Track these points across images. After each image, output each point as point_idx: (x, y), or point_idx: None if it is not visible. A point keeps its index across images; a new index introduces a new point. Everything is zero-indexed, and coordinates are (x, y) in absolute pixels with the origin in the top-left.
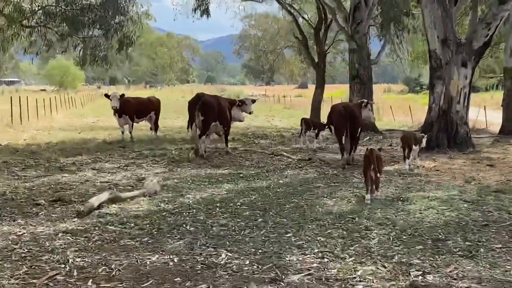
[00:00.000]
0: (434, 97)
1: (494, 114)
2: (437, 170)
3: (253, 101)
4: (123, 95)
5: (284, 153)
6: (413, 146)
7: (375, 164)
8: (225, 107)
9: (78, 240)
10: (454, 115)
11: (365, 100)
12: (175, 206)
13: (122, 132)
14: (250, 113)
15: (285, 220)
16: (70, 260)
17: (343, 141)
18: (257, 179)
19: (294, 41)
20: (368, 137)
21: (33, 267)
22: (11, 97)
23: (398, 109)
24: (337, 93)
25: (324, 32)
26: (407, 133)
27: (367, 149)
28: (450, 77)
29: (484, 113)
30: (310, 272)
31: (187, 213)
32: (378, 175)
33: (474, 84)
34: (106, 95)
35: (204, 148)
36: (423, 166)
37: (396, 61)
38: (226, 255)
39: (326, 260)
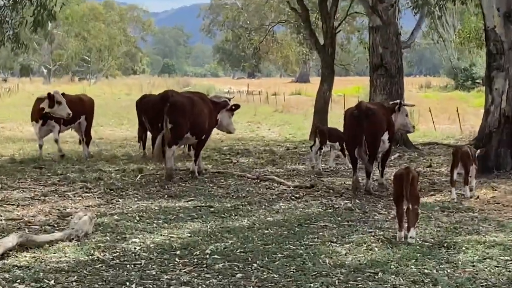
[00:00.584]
0: (493, 96)
1: None
2: (498, 203)
3: (232, 106)
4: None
5: (275, 178)
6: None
7: (411, 188)
8: (202, 111)
9: None
10: None
11: (399, 101)
12: (115, 255)
13: (40, 146)
14: None
15: (275, 276)
16: None
17: (356, 155)
18: (235, 215)
19: (290, 14)
20: (397, 154)
21: None
22: None
23: (440, 113)
24: (352, 89)
25: (334, 1)
26: (463, 147)
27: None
28: None
29: None
30: None
31: (133, 266)
32: (415, 206)
33: None
34: (50, 96)
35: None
36: (478, 197)
37: (437, 44)
38: None
39: None
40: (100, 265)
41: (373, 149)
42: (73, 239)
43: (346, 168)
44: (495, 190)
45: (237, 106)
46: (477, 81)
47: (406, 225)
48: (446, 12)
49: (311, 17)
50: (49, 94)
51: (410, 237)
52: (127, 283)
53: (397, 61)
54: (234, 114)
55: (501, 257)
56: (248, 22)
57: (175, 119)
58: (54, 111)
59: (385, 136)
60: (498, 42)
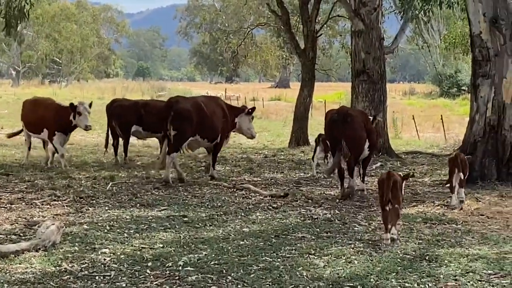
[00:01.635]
0: (478, 104)
1: None
2: (482, 215)
3: (249, 109)
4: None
5: (251, 187)
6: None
7: (393, 190)
8: (212, 114)
9: None
10: (508, 132)
11: (374, 115)
12: (83, 266)
13: (63, 155)
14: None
15: None
16: None
17: (339, 160)
18: (210, 225)
19: (270, 17)
20: (379, 163)
21: None
22: None
23: (424, 121)
24: (334, 95)
25: (315, 4)
26: (461, 154)
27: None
28: (502, 74)
29: None
30: None
31: (102, 278)
32: (397, 206)
33: None
34: (72, 106)
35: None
36: (461, 208)
37: (422, 50)
38: None
39: None
40: (68, 276)
41: (355, 154)
42: (40, 249)
43: (326, 176)
44: (479, 201)
45: (253, 109)
46: (463, 88)
47: (390, 226)
48: (432, 16)
49: (291, 20)
50: (71, 104)
51: (392, 234)
52: None
53: (380, 67)
54: (253, 118)
55: (484, 271)
56: (226, 24)
57: (180, 126)
58: (76, 122)
59: (366, 144)
60: (484, 49)
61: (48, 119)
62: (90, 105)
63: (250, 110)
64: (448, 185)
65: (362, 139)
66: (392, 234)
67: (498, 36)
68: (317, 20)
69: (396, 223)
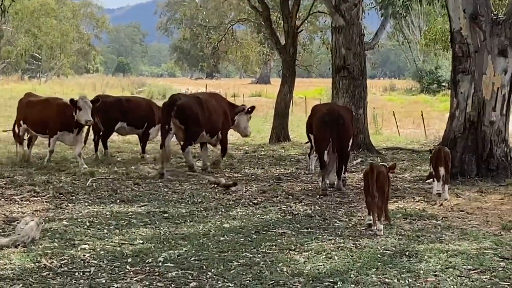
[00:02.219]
0: (458, 100)
1: None
2: (461, 211)
3: (249, 108)
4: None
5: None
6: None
7: (377, 182)
8: (215, 110)
9: None
10: (488, 128)
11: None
12: (62, 262)
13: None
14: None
15: (231, 285)
16: None
17: (325, 158)
18: (190, 221)
19: (251, 13)
20: (359, 159)
21: None
22: None
23: (404, 117)
24: (314, 91)
25: (296, 0)
26: (442, 148)
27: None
28: (482, 71)
29: None
30: None
31: (81, 274)
32: (382, 200)
33: None
34: (72, 102)
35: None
36: (441, 204)
37: (402, 46)
38: None
39: None
40: (47, 272)
41: (342, 153)
42: (19, 245)
43: (307, 172)
44: (459, 197)
45: (253, 108)
46: (443, 84)
47: (378, 216)
48: (411, 12)
49: (272, 16)
50: (71, 100)
51: (376, 230)
52: None
53: (360, 63)
54: (251, 117)
55: (464, 266)
56: (207, 20)
57: (188, 121)
58: (77, 117)
59: (350, 142)
60: (464, 45)
61: (51, 117)
62: (94, 102)
63: (250, 109)
64: (429, 180)
65: (350, 139)
66: (376, 229)
67: (478, 32)
68: (297, 16)
69: (380, 217)
